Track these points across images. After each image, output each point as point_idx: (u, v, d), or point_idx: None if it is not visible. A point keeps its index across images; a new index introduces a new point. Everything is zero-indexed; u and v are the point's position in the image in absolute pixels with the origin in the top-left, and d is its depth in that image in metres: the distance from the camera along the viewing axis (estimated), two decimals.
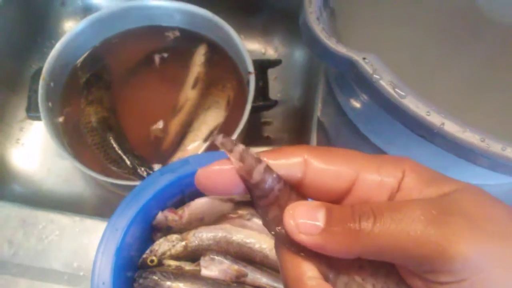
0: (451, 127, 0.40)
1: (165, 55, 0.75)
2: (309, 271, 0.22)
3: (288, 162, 0.23)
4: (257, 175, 0.22)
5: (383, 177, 0.22)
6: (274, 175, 0.22)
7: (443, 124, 0.40)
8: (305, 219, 0.22)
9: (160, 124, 0.69)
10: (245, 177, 0.22)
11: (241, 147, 0.22)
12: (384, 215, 0.20)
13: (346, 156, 0.23)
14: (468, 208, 0.21)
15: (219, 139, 0.22)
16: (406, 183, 0.22)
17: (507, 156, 0.40)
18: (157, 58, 0.75)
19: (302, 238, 0.21)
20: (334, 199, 0.23)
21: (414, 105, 0.41)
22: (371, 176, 0.22)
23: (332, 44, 0.43)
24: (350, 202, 0.23)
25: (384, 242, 0.20)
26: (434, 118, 0.40)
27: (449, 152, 0.43)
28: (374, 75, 0.42)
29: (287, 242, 0.22)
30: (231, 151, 0.22)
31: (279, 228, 0.22)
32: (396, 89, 0.41)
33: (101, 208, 0.72)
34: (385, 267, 0.22)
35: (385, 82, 0.41)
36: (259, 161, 0.22)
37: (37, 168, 0.75)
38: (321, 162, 0.23)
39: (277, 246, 0.24)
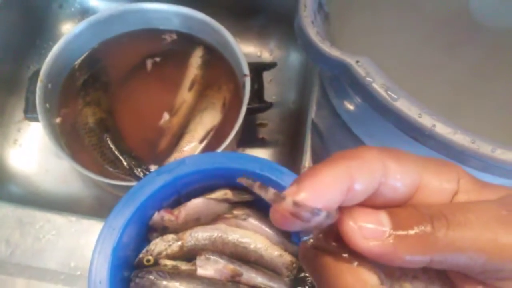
0: (442, 129, 0.41)
1: (162, 58, 0.75)
2: (371, 280, 0.19)
3: (370, 168, 0.19)
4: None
5: (444, 182, 0.20)
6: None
7: (434, 126, 0.41)
8: (367, 223, 0.19)
9: (166, 116, 0.70)
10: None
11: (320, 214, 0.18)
12: (457, 215, 0.19)
13: (411, 158, 0.21)
14: None
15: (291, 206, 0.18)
16: (463, 185, 0.21)
17: (497, 158, 0.41)
18: (154, 60, 0.75)
19: (368, 244, 0.18)
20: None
21: (406, 107, 0.41)
22: (433, 181, 0.20)
23: (325, 47, 0.44)
24: None
25: (462, 246, 0.18)
26: (426, 120, 0.41)
27: (440, 154, 0.43)
28: (367, 78, 0.42)
29: (337, 251, 0.20)
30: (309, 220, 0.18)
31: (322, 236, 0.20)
32: (389, 92, 0.42)
33: (98, 208, 0.72)
34: (440, 278, 0.21)
35: (378, 84, 0.42)
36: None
37: (34, 169, 0.75)
38: (397, 166, 0.20)
39: (315, 258, 0.20)
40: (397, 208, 0.20)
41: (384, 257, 0.19)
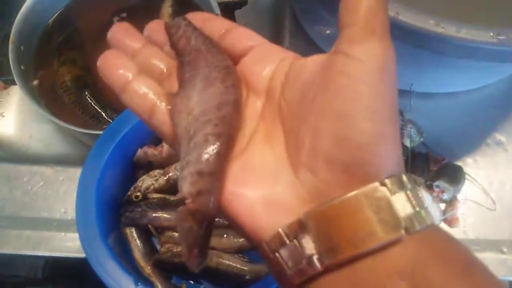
0: (406, 16, 0.41)
1: (131, 12, 0.75)
2: None
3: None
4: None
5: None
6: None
7: (397, 14, 0.41)
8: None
9: None
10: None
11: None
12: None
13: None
14: None
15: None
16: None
17: (462, 37, 0.41)
18: (127, 14, 0.75)
19: None
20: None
21: None
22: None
23: None
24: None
25: None
26: (389, 9, 0.41)
27: (406, 44, 0.44)
28: None
29: None
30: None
31: None
32: None
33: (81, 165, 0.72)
34: None
35: None
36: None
37: (18, 136, 0.75)
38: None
39: None
40: None
41: None
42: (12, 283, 0.92)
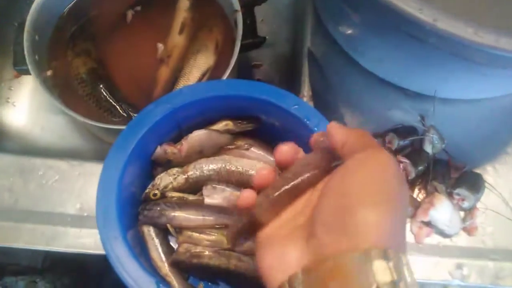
0: (444, 23, 0.40)
1: (151, 3, 0.74)
2: None
3: None
4: None
5: None
6: None
7: (435, 20, 0.40)
8: None
9: (161, 47, 0.69)
10: None
11: None
12: None
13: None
14: None
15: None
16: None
17: (502, 48, 0.40)
18: (142, 7, 0.74)
19: None
20: None
21: (404, 3, 0.41)
22: None
23: None
24: None
25: None
26: (427, 15, 0.40)
27: (444, 49, 0.43)
28: None
29: None
30: None
31: None
32: None
33: (98, 159, 0.71)
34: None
35: None
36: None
37: (30, 127, 0.74)
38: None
39: None
40: None
41: None
42: (12, 271, 0.92)
